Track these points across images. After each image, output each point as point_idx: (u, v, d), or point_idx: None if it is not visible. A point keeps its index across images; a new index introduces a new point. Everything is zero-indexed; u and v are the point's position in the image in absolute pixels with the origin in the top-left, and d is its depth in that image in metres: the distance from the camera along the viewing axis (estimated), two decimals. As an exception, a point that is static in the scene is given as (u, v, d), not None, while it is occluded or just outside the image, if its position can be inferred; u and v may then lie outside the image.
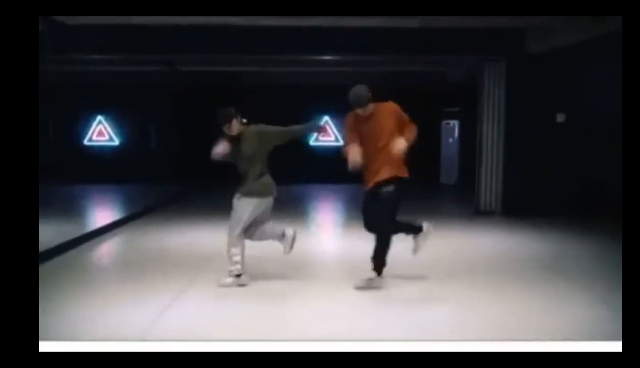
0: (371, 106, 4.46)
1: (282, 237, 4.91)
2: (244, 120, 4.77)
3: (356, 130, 4.53)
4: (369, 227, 4.62)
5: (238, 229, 4.65)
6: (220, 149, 4.66)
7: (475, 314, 4.01)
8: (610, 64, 7.72)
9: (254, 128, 4.76)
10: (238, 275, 4.72)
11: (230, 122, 4.64)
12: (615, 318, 3.45)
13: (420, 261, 5.09)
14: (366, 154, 4.43)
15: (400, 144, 4.32)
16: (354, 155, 4.37)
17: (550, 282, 4.93)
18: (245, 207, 4.65)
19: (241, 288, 4.66)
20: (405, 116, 4.55)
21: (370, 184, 4.51)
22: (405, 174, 4.54)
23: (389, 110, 4.52)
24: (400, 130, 4.45)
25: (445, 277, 5.02)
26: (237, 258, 4.69)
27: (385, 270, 4.66)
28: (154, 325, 3.79)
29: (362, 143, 4.47)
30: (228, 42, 8.15)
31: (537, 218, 8.05)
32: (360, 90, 4.44)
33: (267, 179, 4.74)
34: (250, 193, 4.67)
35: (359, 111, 4.46)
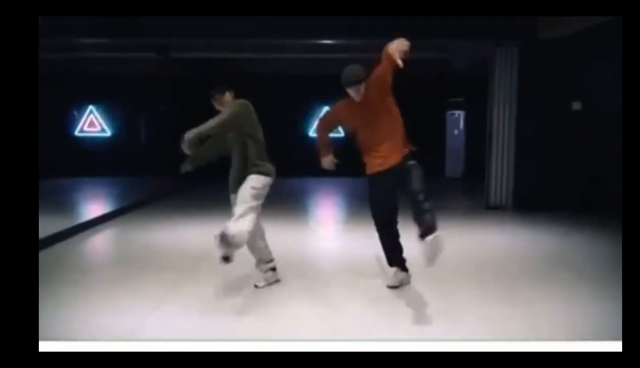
0: (363, 88, 4.18)
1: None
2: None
3: (351, 122, 4.40)
4: (383, 215, 4.45)
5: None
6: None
7: (485, 318, 3.96)
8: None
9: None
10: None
11: (218, 97, 4.53)
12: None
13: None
14: (367, 142, 4.32)
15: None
16: (327, 162, 4.50)
17: (568, 282, 4.86)
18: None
19: (235, 292, 4.66)
20: (378, 74, 4.11)
21: (381, 168, 4.29)
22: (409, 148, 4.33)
23: (369, 87, 4.20)
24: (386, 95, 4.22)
25: (454, 276, 5.02)
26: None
27: (388, 271, 4.75)
28: (138, 330, 3.79)
29: (360, 131, 4.36)
30: (222, 25, 8.21)
31: (551, 213, 8.12)
32: (352, 68, 4.21)
33: None
34: None
35: (353, 95, 4.23)
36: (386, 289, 4.66)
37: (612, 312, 3.94)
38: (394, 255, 4.65)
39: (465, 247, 6.26)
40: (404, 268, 4.70)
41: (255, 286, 4.72)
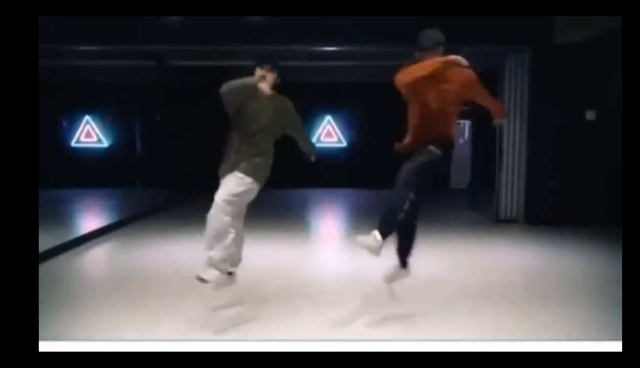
0: (438, 58, 4.04)
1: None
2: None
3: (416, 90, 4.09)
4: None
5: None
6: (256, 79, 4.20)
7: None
8: None
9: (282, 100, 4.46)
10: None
11: (267, 72, 4.27)
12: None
13: (429, 278, 5.02)
14: (419, 116, 4.15)
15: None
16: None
17: (589, 307, 4.61)
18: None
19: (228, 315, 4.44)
20: (471, 80, 4.11)
21: (415, 144, 4.14)
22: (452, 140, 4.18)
23: (457, 76, 4.05)
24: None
25: (458, 299, 4.80)
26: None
27: (383, 286, 4.44)
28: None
29: (418, 102, 4.15)
30: (219, 32, 8.28)
31: (565, 227, 8.11)
32: (429, 31, 4.18)
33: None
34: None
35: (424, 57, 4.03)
36: (383, 311, 4.42)
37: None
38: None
39: (471, 264, 6.13)
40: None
41: (200, 278, 4.19)
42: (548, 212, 8.67)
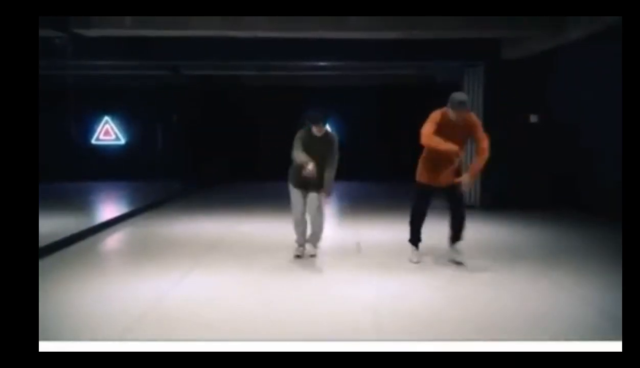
0: (460, 116, 4.46)
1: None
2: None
3: (440, 129, 4.46)
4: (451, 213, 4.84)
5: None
6: (311, 167, 4.65)
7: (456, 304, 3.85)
8: (575, 70, 7.83)
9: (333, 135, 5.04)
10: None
11: (322, 123, 4.80)
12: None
13: (400, 251, 5.15)
14: (430, 154, 4.63)
15: (468, 182, 4.60)
16: (452, 147, 4.36)
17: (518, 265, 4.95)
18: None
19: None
20: (479, 132, 4.62)
21: (431, 181, 4.72)
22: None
23: (472, 121, 4.61)
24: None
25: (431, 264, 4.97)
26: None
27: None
28: (167, 295, 4.03)
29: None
30: (228, 51, 8.10)
31: (512, 210, 8.01)
32: (464, 97, 4.52)
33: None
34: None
35: (451, 115, 4.42)
36: (360, 279, 4.55)
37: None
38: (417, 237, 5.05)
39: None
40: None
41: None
42: (499, 198, 8.44)
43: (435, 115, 4.50)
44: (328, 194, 4.97)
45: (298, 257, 5.09)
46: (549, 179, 8.45)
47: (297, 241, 5.17)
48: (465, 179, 4.54)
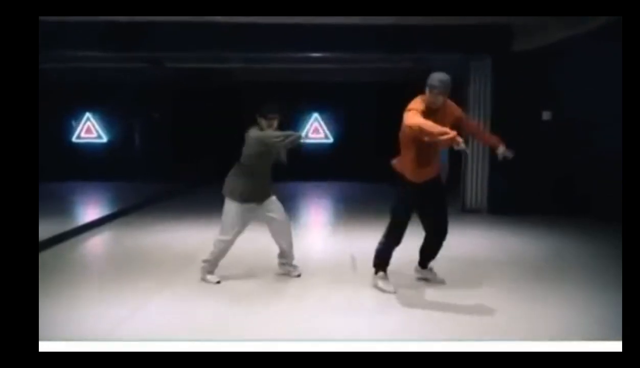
0: (442, 99, 4.13)
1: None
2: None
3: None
4: (435, 225, 4.58)
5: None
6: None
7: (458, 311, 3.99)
8: (593, 64, 7.70)
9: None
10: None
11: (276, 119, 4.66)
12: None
13: (402, 259, 5.00)
14: (421, 147, 4.19)
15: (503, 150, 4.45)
16: (447, 130, 3.86)
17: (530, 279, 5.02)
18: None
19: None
20: (462, 118, 4.46)
21: (424, 178, 4.34)
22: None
23: (455, 111, 4.36)
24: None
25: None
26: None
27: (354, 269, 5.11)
28: (125, 323, 3.81)
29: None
30: (213, 39, 7.96)
31: (522, 216, 8.01)
32: (445, 75, 4.13)
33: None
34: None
35: (431, 101, 4.08)
36: (356, 288, 4.61)
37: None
38: (390, 256, 4.62)
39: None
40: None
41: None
42: (507, 202, 8.46)
43: (416, 105, 4.09)
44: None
45: (218, 282, 4.66)
46: (562, 181, 8.36)
47: (209, 268, 4.66)
48: (500, 149, 4.40)
